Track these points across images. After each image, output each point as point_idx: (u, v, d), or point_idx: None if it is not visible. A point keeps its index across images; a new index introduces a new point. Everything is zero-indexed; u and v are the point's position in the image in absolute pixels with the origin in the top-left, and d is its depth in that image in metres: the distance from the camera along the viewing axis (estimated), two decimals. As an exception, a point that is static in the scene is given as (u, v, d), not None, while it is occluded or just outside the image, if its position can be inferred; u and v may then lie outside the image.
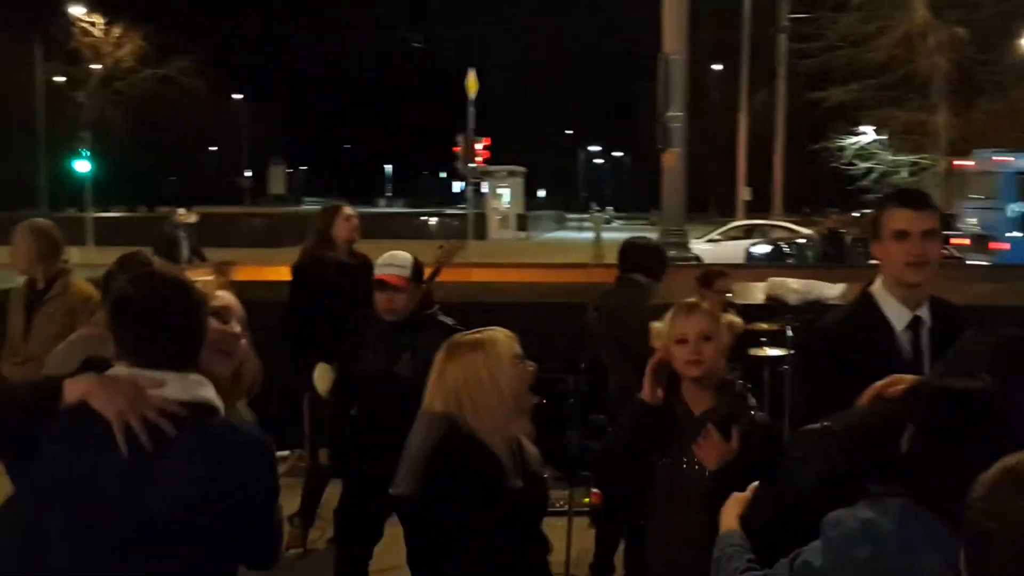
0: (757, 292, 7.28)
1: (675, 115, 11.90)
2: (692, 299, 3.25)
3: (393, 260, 4.22)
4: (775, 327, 6.01)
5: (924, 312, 2.76)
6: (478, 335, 2.85)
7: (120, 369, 2.06)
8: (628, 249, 5.29)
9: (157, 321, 2.06)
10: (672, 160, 12.20)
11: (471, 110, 25.59)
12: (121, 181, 49.05)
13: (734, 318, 4.87)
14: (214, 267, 10.54)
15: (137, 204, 50.70)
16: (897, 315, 2.75)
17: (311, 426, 5.85)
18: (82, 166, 29.35)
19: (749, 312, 6.60)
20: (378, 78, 78.23)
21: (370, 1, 76.93)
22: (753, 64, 33.69)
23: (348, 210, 5.70)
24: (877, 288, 2.82)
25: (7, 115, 44.19)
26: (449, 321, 4.32)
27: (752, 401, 3.11)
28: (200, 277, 9.85)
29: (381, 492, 3.98)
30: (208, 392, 2.08)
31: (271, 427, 2.62)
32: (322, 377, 5.38)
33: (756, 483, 2.22)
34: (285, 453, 6.76)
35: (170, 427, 1.99)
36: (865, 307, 2.83)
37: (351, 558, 4.35)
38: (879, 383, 2.05)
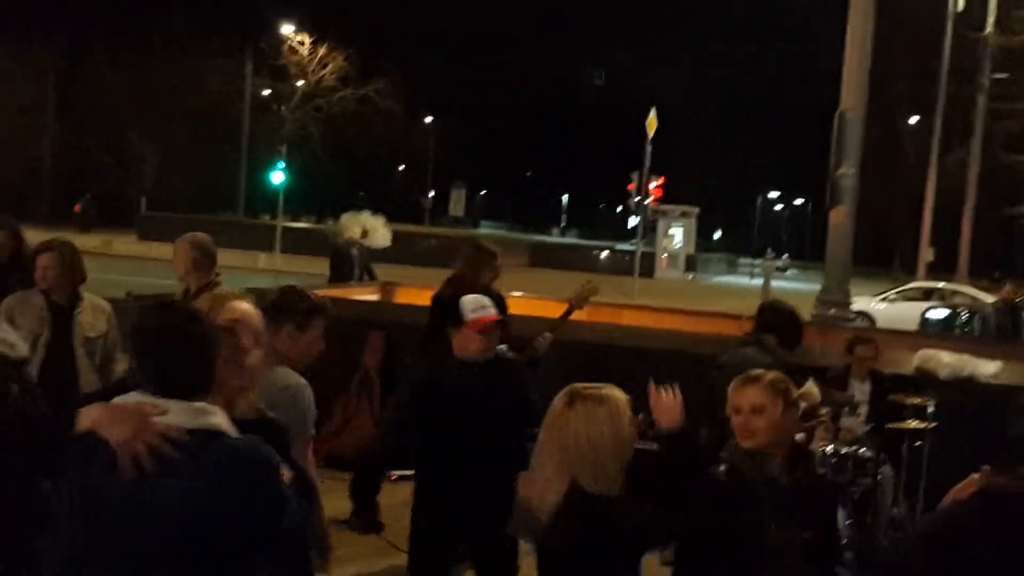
0: (910, 362, 7.13)
1: (847, 172, 11.70)
2: (755, 371, 3.25)
3: (483, 302, 4.28)
4: (918, 401, 5.91)
5: None
6: (600, 390, 2.90)
7: (131, 396, 2.25)
8: (767, 309, 5.34)
9: (165, 352, 2.23)
10: (839, 217, 11.98)
11: (648, 148, 25.69)
12: (313, 193, 51.48)
13: (812, 388, 4.80)
14: (380, 287, 11.12)
15: (326, 216, 53.07)
16: None
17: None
18: (277, 177, 31.11)
19: (896, 383, 6.49)
20: (562, 109, 79.41)
21: (559, 37, 78.36)
22: (950, 121, 32.38)
23: (499, 258, 6.05)
24: None
25: (216, 124, 47.28)
26: (511, 354, 4.56)
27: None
28: (365, 295, 10.39)
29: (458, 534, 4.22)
30: (213, 419, 2.22)
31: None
32: None
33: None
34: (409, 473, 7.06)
35: (171, 451, 2.14)
36: None
37: None
38: None
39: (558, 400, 2.89)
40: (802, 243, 76.50)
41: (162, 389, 2.23)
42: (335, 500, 6.72)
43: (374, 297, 10.29)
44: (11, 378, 3.60)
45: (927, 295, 23.88)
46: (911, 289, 24.87)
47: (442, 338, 5.28)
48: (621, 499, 2.81)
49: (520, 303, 9.22)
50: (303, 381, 3.27)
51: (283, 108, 48.56)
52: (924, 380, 6.58)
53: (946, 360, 6.66)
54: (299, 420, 3.14)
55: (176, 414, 2.20)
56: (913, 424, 5.84)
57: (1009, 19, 27.34)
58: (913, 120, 47.13)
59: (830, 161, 12.09)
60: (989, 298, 22.82)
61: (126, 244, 32.62)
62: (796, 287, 41.58)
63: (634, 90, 57.63)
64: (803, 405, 3.62)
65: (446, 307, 5.88)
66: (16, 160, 43.33)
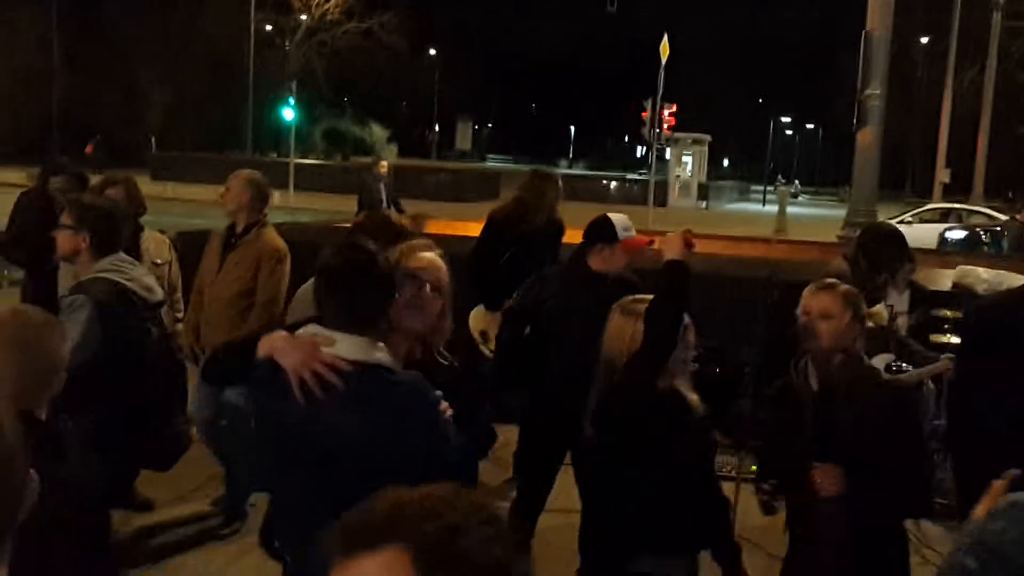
0: (946, 279, 7.20)
1: (873, 93, 11.64)
2: (831, 279, 3.39)
3: (629, 223, 4.54)
4: (960, 314, 5.99)
5: None
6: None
7: (309, 328, 2.42)
8: (865, 232, 5.41)
9: (346, 288, 2.40)
10: (867, 139, 11.95)
11: (661, 75, 25.48)
12: (319, 130, 51.20)
13: (881, 310, 4.89)
14: (410, 219, 11.20)
15: (333, 153, 52.86)
16: None
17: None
18: (288, 114, 31.01)
19: (935, 299, 6.57)
20: (569, 40, 78.43)
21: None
22: (963, 42, 31.99)
23: (560, 183, 6.10)
24: None
25: (220, 62, 46.93)
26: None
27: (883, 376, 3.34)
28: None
29: (562, 434, 4.33)
30: (378, 354, 2.38)
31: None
32: (476, 319, 5.83)
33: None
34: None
35: (334, 380, 2.31)
36: None
37: (530, 497, 4.70)
38: None
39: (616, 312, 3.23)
40: (812, 169, 76.14)
41: (339, 323, 2.39)
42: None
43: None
44: (152, 321, 3.76)
45: (944, 216, 23.89)
46: (928, 211, 24.86)
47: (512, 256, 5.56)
48: None
49: None
50: None
51: (288, 43, 48.12)
52: (962, 295, 6.65)
53: (984, 276, 6.73)
54: None
55: (345, 346, 2.36)
56: (955, 339, 5.93)
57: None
58: (924, 41, 46.59)
59: (857, 82, 12.02)
60: (1003, 217, 22.83)
61: (140, 184, 32.53)
62: (809, 212, 41.53)
63: (647, 18, 57.07)
64: (869, 324, 3.71)
65: (501, 228, 5.96)
66: (27, 105, 43.16)
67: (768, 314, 5.47)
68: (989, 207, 25.83)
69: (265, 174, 5.40)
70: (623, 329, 3.12)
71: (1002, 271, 6.86)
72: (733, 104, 69.05)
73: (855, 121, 12.10)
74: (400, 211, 11.81)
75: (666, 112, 27.13)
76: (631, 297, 3.26)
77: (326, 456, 2.35)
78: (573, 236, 6.22)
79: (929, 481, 3.42)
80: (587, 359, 3.43)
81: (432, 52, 65.99)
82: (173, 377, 3.95)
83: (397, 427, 2.35)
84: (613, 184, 42.28)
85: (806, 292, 3.29)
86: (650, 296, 3.16)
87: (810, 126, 78.83)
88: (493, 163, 74.42)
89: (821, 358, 3.23)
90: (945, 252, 12.43)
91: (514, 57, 79.55)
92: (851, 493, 3.10)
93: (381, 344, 2.42)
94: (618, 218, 4.54)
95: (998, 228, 20.28)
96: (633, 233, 4.50)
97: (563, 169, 74.61)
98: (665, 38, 25.21)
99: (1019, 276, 6.82)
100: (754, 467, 6.07)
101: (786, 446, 3.31)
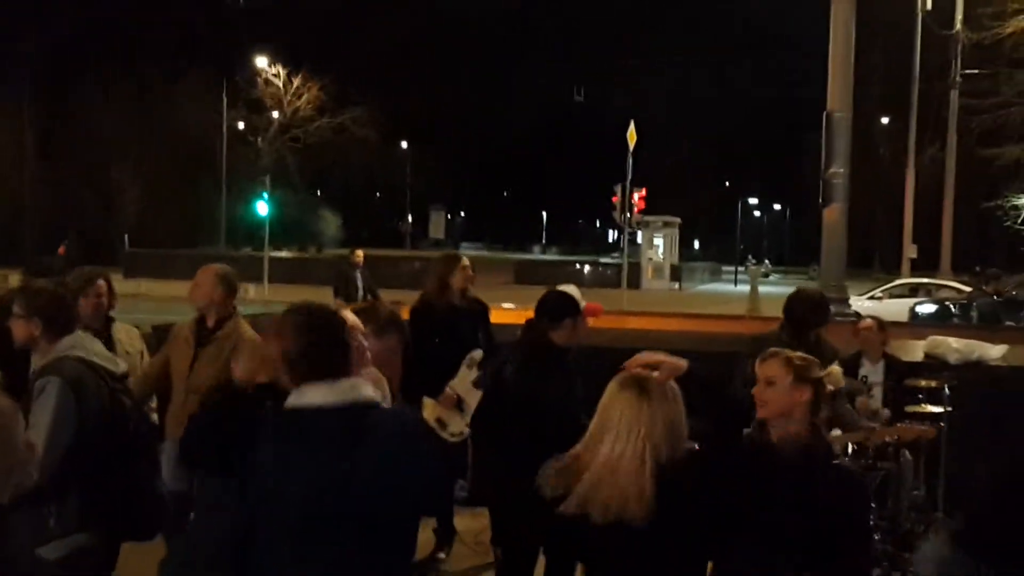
0: (918, 350, 7.29)
1: (837, 172, 11.94)
2: (776, 349, 3.42)
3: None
4: (933, 384, 6.06)
5: None
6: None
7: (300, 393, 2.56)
8: (793, 299, 5.51)
9: (316, 342, 2.56)
10: (833, 215, 12.21)
11: (630, 161, 25.95)
12: (291, 223, 51.50)
13: (836, 369, 4.97)
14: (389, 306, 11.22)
15: (307, 246, 53.02)
16: None
17: None
18: (262, 208, 31.16)
19: (908, 369, 6.65)
20: (538, 128, 79.78)
21: (535, 55, 78.91)
22: (924, 119, 32.86)
23: (465, 261, 6.13)
24: None
25: (194, 158, 47.28)
26: None
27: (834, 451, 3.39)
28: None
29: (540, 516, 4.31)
30: (364, 390, 2.55)
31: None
32: (428, 409, 5.82)
33: None
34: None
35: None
36: None
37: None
38: None
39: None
40: (781, 248, 77.20)
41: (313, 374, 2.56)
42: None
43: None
44: (123, 391, 3.76)
45: (913, 291, 24.22)
46: (898, 286, 25.20)
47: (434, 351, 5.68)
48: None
49: (510, 315, 9.63)
50: None
51: (260, 140, 48.62)
52: (934, 366, 6.74)
53: (955, 345, 6.83)
54: None
55: (327, 393, 2.51)
56: (930, 408, 5.99)
57: (976, 15, 27.80)
58: (886, 120, 47.78)
59: (821, 162, 12.33)
60: (969, 290, 23.18)
61: (115, 282, 32.40)
62: (780, 290, 41.90)
63: (615, 104, 58.25)
64: (829, 386, 3.71)
65: (421, 319, 5.97)
66: (-1, 201, 43.21)
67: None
68: (957, 281, 26.24)
69: (239, 268, 5.39)
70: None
71: (972, 340, 6.97)
72: (701, 186, 70.13)
73: (821, 200, 12.37)
74: (376, 298, 11.84)
75: (636, 196, 27.53)
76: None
77: (333, 502, 2.45)
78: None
79: None
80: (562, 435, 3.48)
81: (404, 144, 66.84)
82: (150, 444, 3.99)
83: (406, 457, 2.53)
84: (587, 268, 42.60)
85: (756, 363, 3.34)
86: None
87: (777, 207, 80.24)
88: (468, 251, 74.70)
89: (774, 428, 3.23)
90: (916, 324, 12.58)
91: (485, 146, 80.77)
92: None
93: (361, 381, 2.63)
94: (573, 290, 4.73)
95: (965, 301, 20.56)
96: (584, 302, 4.70)
97: (536, 255, 75.22)
98: (632, 125, 25.75)
99: (989, 345, 6.92)
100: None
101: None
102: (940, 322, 19.36)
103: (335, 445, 2.43)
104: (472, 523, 6.03)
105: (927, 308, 21.36)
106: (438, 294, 5.97)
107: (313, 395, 2.50)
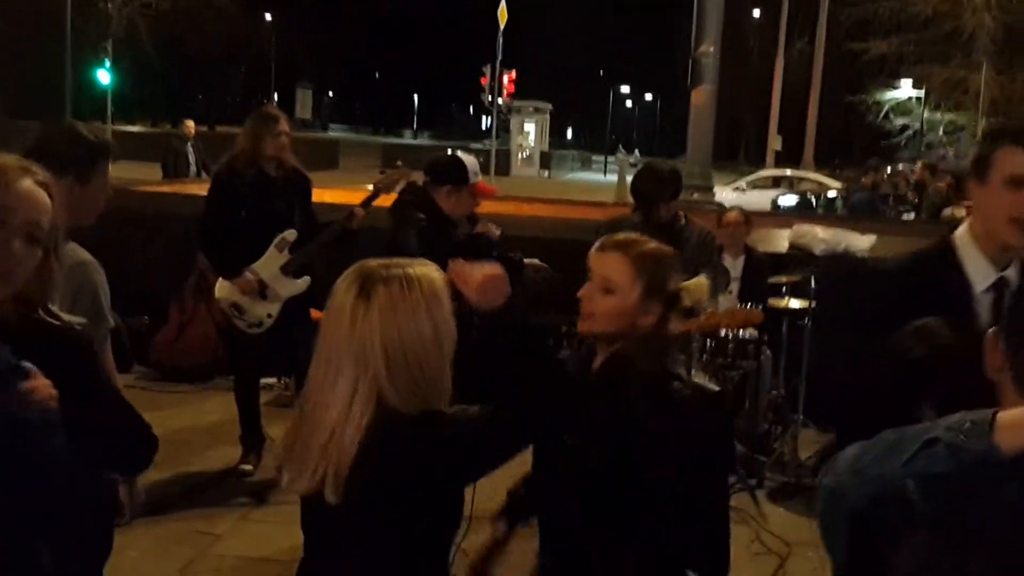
0: (782, 240, 6.87)
1: (707, 51, 11.40)
2: (629, 236, 2.39)
3: (478, 168, 4.40)
4: (797, 278, 5.63)
5: (1012, 273, 2.26)
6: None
7: None
8: (639, 174, 4.90)
9: None
10: (702, 97, 11.73)
11: (500, 40, 24.98)
12: (146, 97, 48.63)
13: (703, 282, 4.10)
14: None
15: (161, 120, 50.30)
16: (981, 273, 2.26)
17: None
18: (103, 76, 28.95)
19: (772, 261, 6.22)
20: (410, 5, 77.05)
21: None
22: (794, 11, 32.75)
23: (283, 124, 5.13)
24: (962, 237, 2.31)
25: (35, 25, 43.67)
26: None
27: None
28: (203, 192, 9.56)
29: None
30: None
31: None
32: (223, 291, 5.13)
33: None
34: (271, 381, 6.48)
35: None
36: (941, 257, 2.32)
37: None
38: None
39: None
40: (651, 139, 77.51)
41: None
42: (178, 414, 6.08)
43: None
44: None
45: (776, 183, 24.28)
46: (760, 179, 25.24)
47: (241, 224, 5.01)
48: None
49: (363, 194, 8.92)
50: (91, 258, 2.59)
51: (109, 4, 45.20)
52: (799, 257, 6.33)
53: (821, 235, 6.43)
54: (93, 310, 2.49)
55: None
56: (794, 303, 5.56)
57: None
58: (757, 13, 47.80)
59: (691, 41, 11.75)
60: (833, 184, 23.41)
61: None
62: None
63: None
64: (687, 302, 2.59)
65: (226, 186, 5.12)
66: None
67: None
68: (820, 174, 26.53)
69: None
70: None
71: (839, 230, 6.57)
72: (574, 75, 69.36)
73: (689, 80, 11.85)
74: (210, 173, 10.83)
75: (505, 78, 26.68)
76: None
77: None
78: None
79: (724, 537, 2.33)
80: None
81: (268, 16, 63.54)
82: None
83: None
84: (457, 153, 41.73)
85: (591, 252, 2.34)
86: None
87: (648, 97, 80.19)
88: (336, 133, 72.61)
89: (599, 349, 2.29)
90: (780, 215, 12.32)
91: (354, 22, 77.55)
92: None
93: None
94: (470, 160, 4.37)
95: (833, 194, 20.62)
96: (481, 178, 4.36)
97: (408, 140, 73.56)
98: (503, 2, 24.72)
99: (856, 235, 6.55)
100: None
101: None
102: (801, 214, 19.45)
103: None
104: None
105: (788, 200, 21.43)
106: (247, 161, 5.08)
107: None
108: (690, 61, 11.70)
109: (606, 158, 49.31)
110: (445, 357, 1.93)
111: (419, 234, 4.18)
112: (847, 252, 6.40)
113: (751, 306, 5.12)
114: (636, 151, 62.16)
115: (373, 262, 1.95)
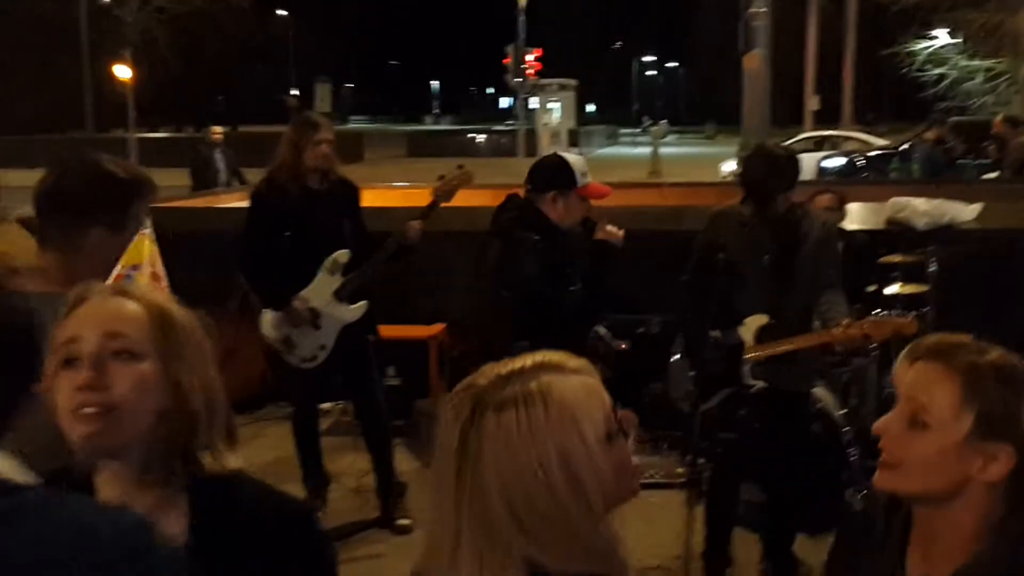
0: (876, 215, 6.22)
1: (758, 11, 10.68)
2: (938, 336, 1.60)
3: (587, 168, 3.85)
4: (911, 259, 4.99)
5: None
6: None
7: None
8: (749, 159, 4.16)
9: None
10: (755, 62, 11.06)
11: (521, 19, 24.29)
12: (167, 102, 48.37)
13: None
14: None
15: (184, 124, 50.12)
16: None
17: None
18: (123, 84, 28.68)
19: (876, 240, 5.58)
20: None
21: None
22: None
23: (325, 132, 4.50)
24: None
25: (52, 36, 43.51)
26: None
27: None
28: (236, 203, 9.04)
29: None
30: None
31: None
32: (268, 324, 4.57)
33: None
34: (328, 406, 5.95)
35: None
36: None
37: None
38: None
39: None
40: (677, 108, 76.26)
41: None
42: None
43: (246, 204, 8.88)
44: None
45: (819, 145, 23.40)
46: (802, 140, 24.37)
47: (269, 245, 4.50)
48: None
49: (400, 194, 8.41)
50: None
51: (124, 12, 44.93)
52: (903, 233, 5.68)
53: (922, 208, 5.77)
54: None
55: None
56: (911, 288, 4.94)
57: None
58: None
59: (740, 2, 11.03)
60: (878, 141, 22.50)
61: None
62: (679, 152, 41.23)
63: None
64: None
65: (266, 206, 4.56)
66: None
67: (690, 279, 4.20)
68: (861, 131, 25.63)
69: (112, 152, 4.01)
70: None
71: (942, 200, 5.90)
72: (595, 46, 68.36)
73: (740, 46, 11.14)
74: (243, 182, 10.31)
75: (530, 57, 25.99)
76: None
77: None
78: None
79: None
80: None
81: (283, 13, 63.31)
82: None
83: None
84: (481, 137, 41.09)
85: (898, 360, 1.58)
86: None
87: (672, 64, 78.90)
88: (357, 124, 72.31)
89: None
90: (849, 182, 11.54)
91: (370, 13, 77.00)
92: None
93: None
94: (575, 159, 3.83)
95: (878, 152, 19.76)
96: (591, 179, 3.80)
97: (429, 126, 73.01)
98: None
99: (960, 205, 5.90)
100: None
101: None
102: (848, 177, 18.63)
103: None
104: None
105: (835, 162, 20.61)
106: (289, 174, 4.50)
107: None
108: (740, 25, 11.00)
109: (633, 131, 48.48)
110: (582, 501, 1.22)
111: (534, 256, 3.66)
112: (951, 225, 5.75)
113: (898, 313, 4.47)
114: (663, 121, 61.13)
115: (486, 374, 1.29)
